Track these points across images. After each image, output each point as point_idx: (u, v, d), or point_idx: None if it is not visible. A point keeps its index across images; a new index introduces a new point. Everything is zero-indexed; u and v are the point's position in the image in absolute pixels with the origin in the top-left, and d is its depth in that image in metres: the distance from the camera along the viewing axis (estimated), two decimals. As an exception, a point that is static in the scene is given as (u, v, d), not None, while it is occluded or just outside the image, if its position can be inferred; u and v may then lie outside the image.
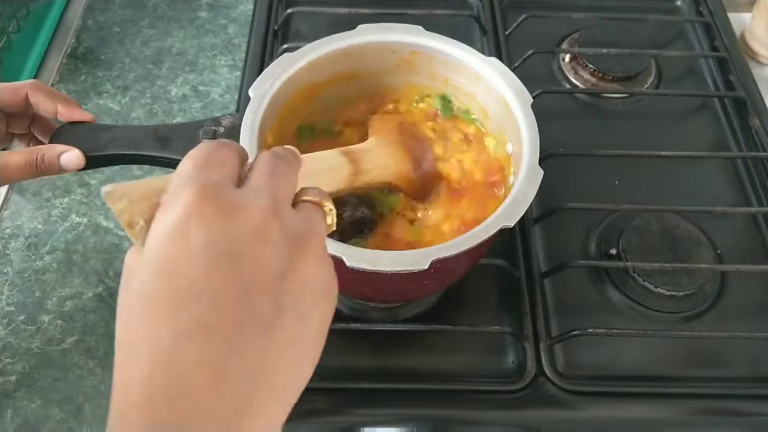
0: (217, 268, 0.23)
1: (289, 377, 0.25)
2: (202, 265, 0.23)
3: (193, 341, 0.22)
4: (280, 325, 0.24)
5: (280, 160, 0.29)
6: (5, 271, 0.57)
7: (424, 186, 0.49)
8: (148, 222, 0.25)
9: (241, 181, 0.27)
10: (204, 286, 0.23)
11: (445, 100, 0.54)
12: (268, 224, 0.25)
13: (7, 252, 0.59)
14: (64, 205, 0.62)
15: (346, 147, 0.45)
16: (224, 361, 0.22)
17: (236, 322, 0.23)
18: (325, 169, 0.42)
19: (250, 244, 0.24)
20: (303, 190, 0.30)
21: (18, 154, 0.46)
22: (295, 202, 0.29)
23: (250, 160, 0.29)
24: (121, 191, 0.25)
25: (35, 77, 0.71)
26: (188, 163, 0.26)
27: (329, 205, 0.30)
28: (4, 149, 0.54)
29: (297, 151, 0.31)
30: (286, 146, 0.31)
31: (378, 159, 0.46)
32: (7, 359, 0.53)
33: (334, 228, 0.30)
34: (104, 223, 0.61)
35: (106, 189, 0.25)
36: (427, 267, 0.39)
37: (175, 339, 0.22)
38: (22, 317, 0.55)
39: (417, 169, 0.48)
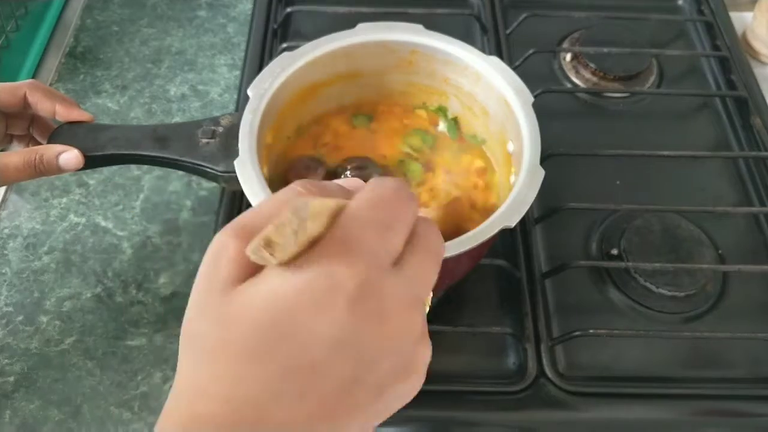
0: (341, 363, 0.22)
1: None
2: (328, 353, 0.22)
3: (284, 403, 0.21)
4: (368, 412, 0.24)
5: (442, 244, 0.27)
6: (3, 271, 0.57)
7: None
8: (298, 247, 0.21)
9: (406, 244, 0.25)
10: (319, 368, 0.22)
11: (451, 121, 0.54)
12: (406, 338, 0.24)
13: (6, 252, 0.58)
14: (62, 205, 0.61)
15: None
16: (303, 427, 0.22)
17: (333, 406, 0.22)
18: None
19: (382, 353, 0.23)
20: None
21: (16, 155, 0.45)
22: None
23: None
24: (310, 207, 0.21)
25: (34, 76, 0.71)
26: (369, 208, 0.23)
27: (430, 295, 0.28)
28: (2, 150, 0.54)
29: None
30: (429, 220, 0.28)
31: None
32: (6, 360, 0.53)
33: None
34: (103, 223, 0.60)
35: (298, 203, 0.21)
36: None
37: (269, 396, 0.21)
38: (20, 318, 0.55)
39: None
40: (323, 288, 0.21)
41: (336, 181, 0.28)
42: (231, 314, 0.22)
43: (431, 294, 0.28)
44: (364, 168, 0.50)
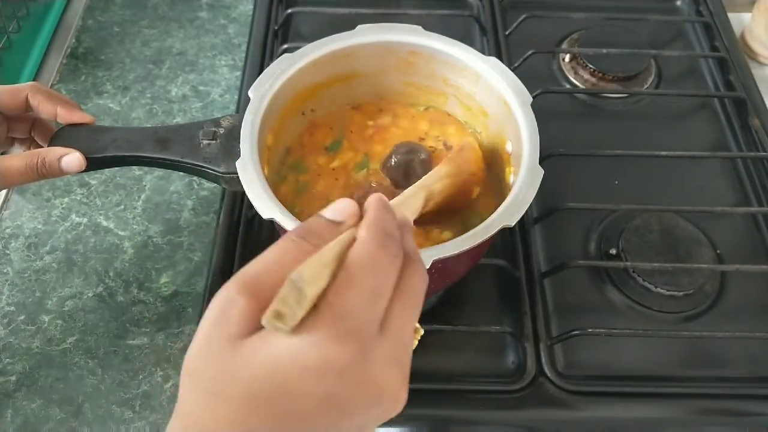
0: (327, 414, 0.25)
1: None
2: (316, 406, 0.24)
3: None
4: None
5: (425, 282, 0.28)
6: (5, 271, 0.57)
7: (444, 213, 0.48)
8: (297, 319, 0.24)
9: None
10: (306, 418, 0.25)
11: None
12: (386, 393, 0.26)
13: (8, 252, 0.59)
14: (64, 205, 0.62)
15: (429, 185, 0.42)
16: None
17: None
18: (409, 215, 0.37)
19: (363, 405, 0.25)
20: None
21: (18, 158, 0.45)
22: None
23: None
24: (308, 277, 0.24)
25: (35, 77, 0.71)
26: (364, 271, 0.26)
27: (421, 330, 0.31)
28: (3, 153, 0.54)
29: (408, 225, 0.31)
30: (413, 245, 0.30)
31: (441, 193, 0.44)
32: (7, 359, 0.53)
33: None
34: (104, 223, 0.61)
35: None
36: (428, 267, 0.39)
37: None
38: (22, 317, 0.55)
39: (455, 205, 0.47)
40: (316, 358, 0.24)
41: (325, 211, 0.29)
42: (236, 366, 0.25)
43: (421, 330, 0.31)
44: (413, 152, 0.50)
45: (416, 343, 0.30)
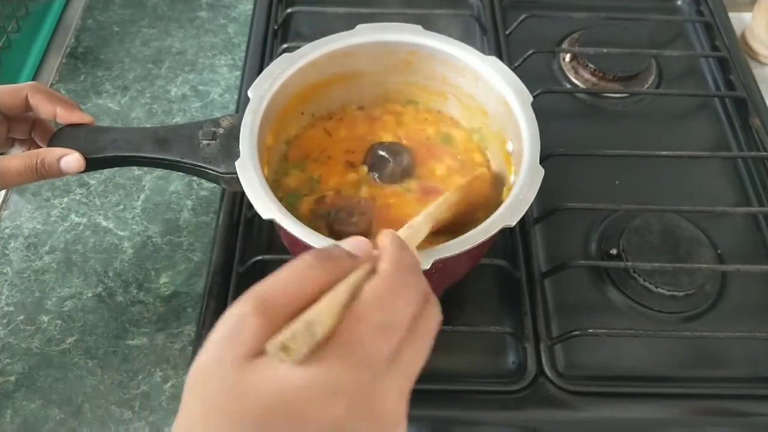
0: None
1: None
2: None
3: None
4: None
5: (439, 321, 0.29)
6: (4, 271, 0.57)
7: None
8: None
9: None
10: None
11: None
12: (390, 426, 0.26)
13: (7, 252, 0.58)
14: (63, 205, 0.62)
15: (436, 216, 0.41)
16: None
17: None
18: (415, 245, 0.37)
19: None
20: None
21: (18, 159, 0.45)
22: None
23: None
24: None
25: (34, 77, 0.71)
26: (375, 308, 0.26)
27: None
28: (2, 153, 0.54)
29: (420, 265, 0.31)
30: (412, 255, 0.30)
31: (444, 221, 0.43)
32: (7, 359, 0.53)
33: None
34: (104, 223, 0.61)
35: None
36: (428, 267, 0.39)
37: None
38: (21, 317, 0.55)
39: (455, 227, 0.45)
40: (326, 387, 0.24)
41: (343, 243, 0.30)
42: (242, 390, 0.24)
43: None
44: (397, 153, 0.50)
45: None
